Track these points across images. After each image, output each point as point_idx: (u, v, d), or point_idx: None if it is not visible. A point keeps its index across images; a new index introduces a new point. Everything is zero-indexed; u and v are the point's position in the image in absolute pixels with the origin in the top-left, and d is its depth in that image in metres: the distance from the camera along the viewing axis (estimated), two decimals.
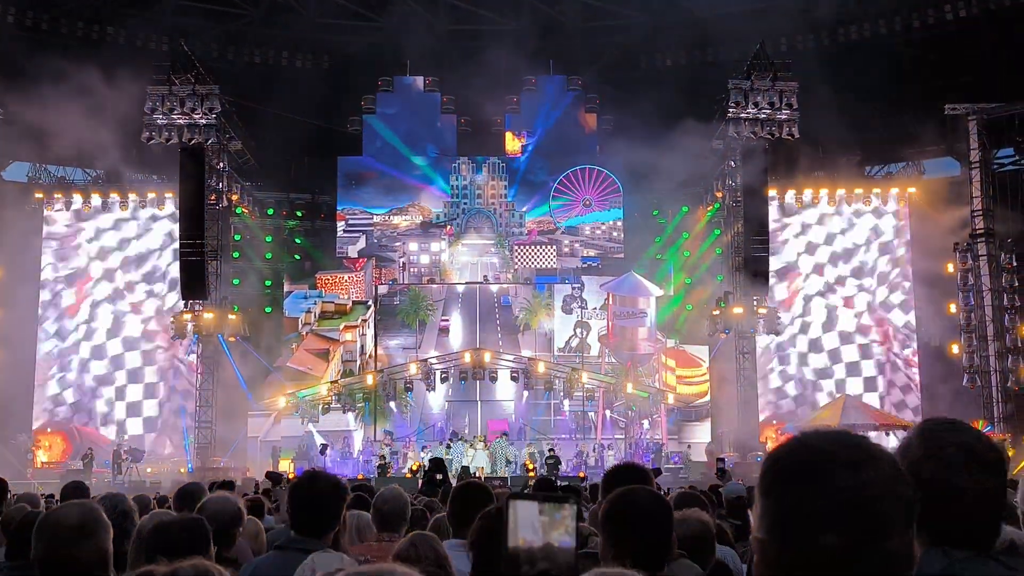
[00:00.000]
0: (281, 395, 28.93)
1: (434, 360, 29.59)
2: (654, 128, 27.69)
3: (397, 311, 32.31)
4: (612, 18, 33.41)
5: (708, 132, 28.61)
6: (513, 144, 33.77)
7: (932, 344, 30.76)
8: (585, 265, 33.03)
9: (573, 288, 32.56)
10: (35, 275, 30.92)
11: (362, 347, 32.21)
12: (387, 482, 19.21)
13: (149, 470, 27.63)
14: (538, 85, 33.53)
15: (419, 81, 33.62)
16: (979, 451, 2.06)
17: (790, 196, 32.07)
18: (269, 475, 16.85)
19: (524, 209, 33.45)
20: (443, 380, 29.03)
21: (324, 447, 27.28)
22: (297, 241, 33.63)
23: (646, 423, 30.10)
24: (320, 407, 28.95)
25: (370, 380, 29.13)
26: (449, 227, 33.28)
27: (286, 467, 25.66)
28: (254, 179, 32.35)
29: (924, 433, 2.10)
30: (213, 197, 28.25)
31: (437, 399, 30.60)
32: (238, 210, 30.94)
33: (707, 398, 31.59)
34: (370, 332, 32.20)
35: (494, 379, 29.01)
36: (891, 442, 22.97)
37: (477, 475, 23.22)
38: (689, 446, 29.65)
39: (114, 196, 31.23)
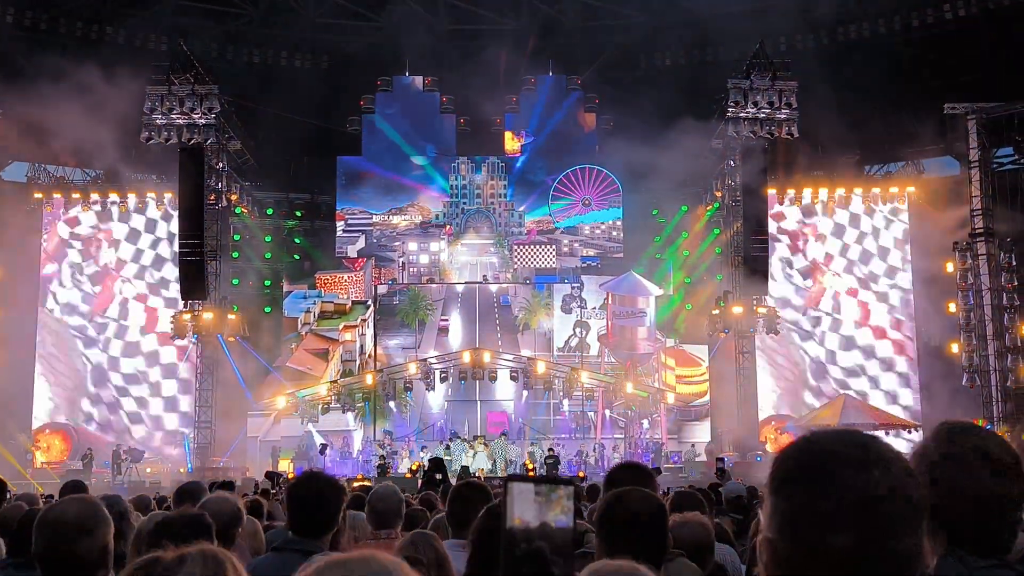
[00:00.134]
0: (281, 395, 28.93)
1: (433, 360, 29.59)
2: (653, 128, 27.71)
3: (396, 311, 32.32)
4: (611, 18, 33.42)
5: (707, 131, 28.62)
6: (512, 144, 33.79)
7: (931, 343, 30.76)
8: (584, 265, 33.05)
9: (572, 288, 32.57)
10: (35, 275, 30.91)
11: (361, 347, 32.22)
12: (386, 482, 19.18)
13: (149, 470, 27.63)
14: (537, 85, 33.55)
15: (418, 81, 33.65)
16: (995, 454, 2.04)
17: (789, 195, 32.05)
18: (268, 475, 16.87)
19: (522, 209, 33.46)
20: (442, 380, 29.04)
21: (324, 447, 27.29)
22: (296, 241, 33.65)
23: (646, 423, 30.12)
24: (320, 407, 28.97)
25: (369, 380, 29.14)
26: (448, 227, 33.30)
27: (286, 467, 25.70)
28: (253, 179, 32.35)
29: (941, 436, 2.08)
30: (212, 197, 28.24)
31: (437, 399, 30.61)
32: (237, 210, 30.93)
33: (706, 398, 31.60)
34: (369, 332, 32.20)
35: (493, 379, 29.01)
36: (892, 442, 22.92)
37: (477, 475, 23.23)
38: (692, 445, 29.65)
39: (113, 196, 31.22)
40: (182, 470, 27.23)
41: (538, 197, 33.45)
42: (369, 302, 32.39)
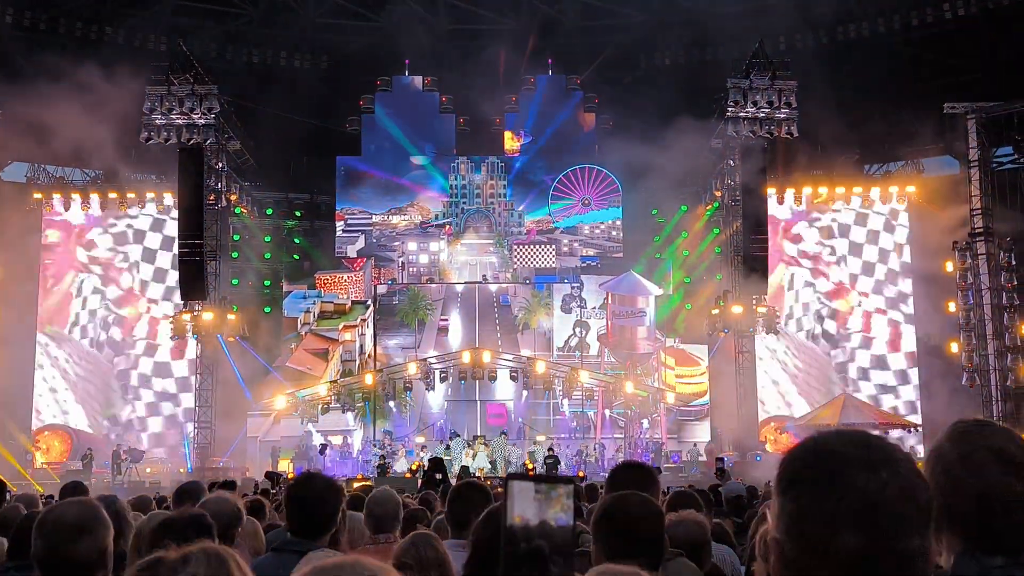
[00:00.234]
0: (280, 395, 28.91)
1: (433, 360, 29.59)
2: (653, 127, 27.73)
3: (396, 311, 32.32)
4: (611, 17, 33.41)
5: (707, 131, 28.61)
6: (512, 143, 33.80)
7: (931, 343, 30.75)
8: (584, 264, 33.05)
9: (572, 287, 32.57)
10: (34, 275, 30.91)
11: (361, 347, 32.22)
12: (387, 482, 19.22)
13: (148, 470, 27.65)
14: (537, 84, 33.56)
15: (418, 81, 33.65)
16: (1011, 452, 2.02)
17: (789, 195, 32.05)
18: (268, 475, 16.87)
19: (520, 208, 33.46)
20: (442, 380, 29.03)
21: (323, 447, 27.30)
22: (296, 241, 33.66)
23: (645, 422, 30.12)
24: (319, 407, 28.96)
25: (369, 380, 29.13)
26: (448, 227, 33.30)
27: (285, 467, 25.70)
28: (253, 179, 32.35)
29: (956, 435, 2.07)
30: (212, 197, 28.23)
31: (436, 399, 30.62)
32: (237, 210, 30.93)
33: (706, 397, 31.59)
34: (369, 332, 32.20)
35: (493, 378, 29.02)
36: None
37: (477, 475, 23.24)
38: (695, 445, 29.61)
39: (112, 196, 31.22)
40: (182, 470, 27.25)
41: (537, 196, 33.46)
42: (369, 302, 32.39)
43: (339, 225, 33.09)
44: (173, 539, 3.26)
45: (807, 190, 31.80)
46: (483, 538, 2.95)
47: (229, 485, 9.56)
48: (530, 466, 25.89)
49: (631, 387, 29.81)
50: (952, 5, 30.07)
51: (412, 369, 28.96)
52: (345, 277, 32.70)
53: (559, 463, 25.43)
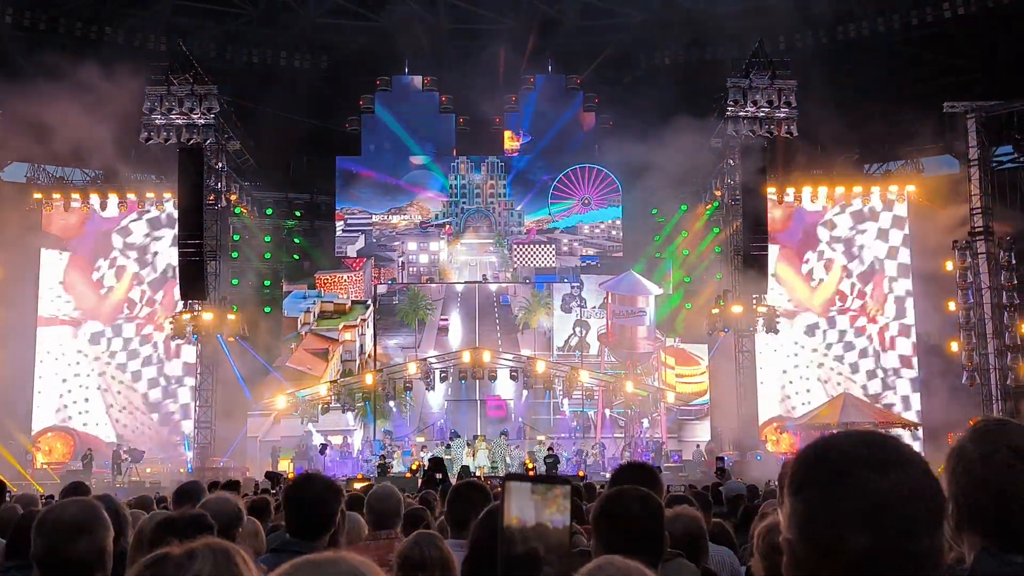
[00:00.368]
0: (280, 395, 28.92)
1: (433, 359, 29.60)
2: (652, 126, 27.73)
3: (396, 310, 32.32)
4: (611, 17, 33.40)
5: (706, 130, 28.61)
6: (512, 143, 33.80)
7: (931, 342, 30.76)
8: (584, 264, 33.04)
9: (572, 287, 32.57)
10: (34, 275, 30.92)
11: (361, 347, 32.22)
12: (387, 482, 19.19)
13: (149, 470, 27.65)
14: (537, 84, 33.55)
15: (418, 80, 33.64)
16: None
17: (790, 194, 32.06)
18: (269, 475, 16.86)
19: (519, 208, 33.44)
20: (442, 379, 29.04)
21: (323, 447, 27.31)
22: (296, 241, 33.65)
23: (645, 422, 30.12)
24: (319, 407, 28.97)
25: (369, 380, 29.13)
26: (448, 226, 33.29)
27: (286, 467, 25.71)
28: (253, 179, 32.34)
29: (977, 435, 2.07)
30: (212, 197, 28.23)
31: (436, 398, 30.62)
32: (237, 210, 30.93)
33: (706, 397, 31.59)
34: (369, 332, 32.20)
35: (493, 378, 29.02)
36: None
37: (477, 474, 23.25)
38: (698, 445, 29.54)
39: (112, 196, 31.23)
40: (182, 470, 27.24)
41: (537, 195, 33.44)
42: (369, 302, 32.38)
43: (339, 225, 33.09)
44: (174, 538, 3.27)
45: (807, 189, 31.81)
46: (481, 538, 2.95)
47: (233, 485, 9.56)
48: (530, 466, 25.89)
49: (631, 387, 29.82)
50: (952, 4, 30.06)
51: (412, 369, 28.96)
52: (345, 277, 32.70)
53: (559, 463, 25.43)
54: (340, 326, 32.12)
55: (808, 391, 31.58)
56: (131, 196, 31.19)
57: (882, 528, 1.49)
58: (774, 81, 26.79)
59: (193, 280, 27.29)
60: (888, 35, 31.33)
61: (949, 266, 28.05)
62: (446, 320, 32.39)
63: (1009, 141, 29.61)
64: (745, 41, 28.78)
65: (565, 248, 33.23)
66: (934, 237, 29.35)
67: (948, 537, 1.62)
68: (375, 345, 32.00)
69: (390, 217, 33.28)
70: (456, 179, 33.45)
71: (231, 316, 28.16)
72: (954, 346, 27.91)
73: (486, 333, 31.99)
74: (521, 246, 33.24)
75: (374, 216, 33.21)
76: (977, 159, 27.67)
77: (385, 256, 33.14)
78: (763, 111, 26.99)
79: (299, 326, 32.01)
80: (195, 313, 27.56)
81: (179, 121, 26.77)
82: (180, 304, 28.49)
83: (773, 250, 30.42)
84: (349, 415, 29.78)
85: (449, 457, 24.64)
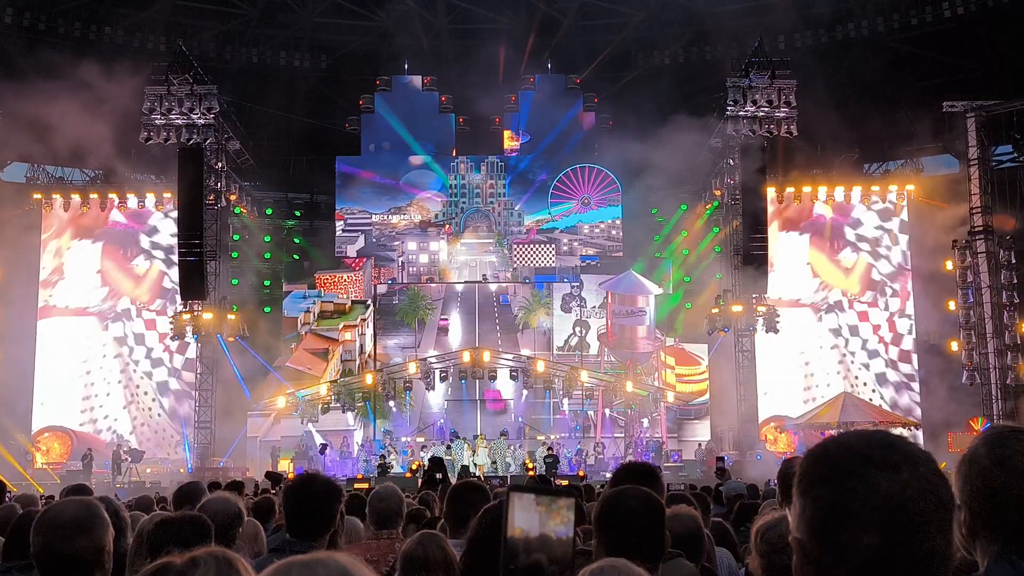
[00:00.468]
0: (280, 395, 28.92)
1: (433, 359, 29.60)
2: (652, 126, 27.72)
3: (396, 310, 32.33)
4: (610, 16, 33.40)
5: (706, 130, 28.61)
6: (511, 143, 33.79)
7: (931, 341, 30.78)
8: (584, 264, 33.03)
9: (572, 287, 32.57)
10: (34, 275, 30.92)
11: (361, 347, 32.22)
12: (387, 482, 19.18)
13: (149, 471, 27.65)
14: (536, 83, 33.54)
15: (417, 80, 33.62)
16: None
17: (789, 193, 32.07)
18: (269, 475, 16.84)
19: (518, 207, 33.44)
20: (442, 379, 29.04)
21: (323, 447, 27.30)
22: (296, 241, 33.64)
23: (645, 421, 30.12)
24: (319, 407, 28.96)
25: (369, 379, 29.14)
26: (448, 226, 33.29)
27: (286, 467, 25.69)
28: (252, 179, 32.35)
29: (991, 440, 2.06)
30: (212, 197, 28.22)
31: (436, 398, 30.62)
32: (236, 210, 30.92)
33: (706, 396, 31.60)
34: (369, 331, 32.20)
35: (493, 378, 29.03)
36: None
37: (477, 474, 23.26)
38: (700, 444, 29.49)
39: (112, 196, 31.23)
40: (182, 470, 27.24)
41: (536, 194, 33.43)
42: (369, 302, 32.39)
43: (339, 225, 33.08)
44: (171, 540, 3.27)
45: (807, 189, 31.83)
46: (478, 535, 2.95)
47: (237, 486, 9.56)
48: (530, 465, 25.88)
49: (631, 386, 29.82)
50: (951, 3, 30.08)
51: (412, 369, 28.97)
52: (345, 277, 32.69)
53: (558, 462, 25.43)
54: (340, 326, 32.12)
55: (808, 390, 31.56)
56: (131, 196, 31.18)
57: (894, 527, 1.49)
58: (774, 81, 26.79)
59: (193, 280, 27.28)
60: (887, 34, 31.35)
61: (949, 265, 28.07)
62: (446, 320, 32.39)
63: (1009, 140, 29.63)
64: (745, 41, 28.78)
65: (565, 248, 33.23)
66: (934, 236, 29.36)
67: (959, 541, 1.62)
68: (375, 345, 32.00)
69: (390, 217, 33.28)
70: (456, 179, 33.44)
71: (231, 316, 28.16)
72: (954, 345, 27.93)
73: (486, 333, 32.00)
74: (521, 246, 33.24)
75: (374, 216, 33.20)
76: (977, 158, 27.67)
77: (385, 256, 33.14)
78: (763, 111, 26.99)
79: (299, 326, 32.02)
80: (195, 313, 27.56)
81: (179, 121, 26.77)
82: (180, 304, 28.47)
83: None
84: (349, 415, 29.79)
85: (450, 457, 24.63)
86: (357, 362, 32.01)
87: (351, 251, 33.04)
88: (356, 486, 14.49)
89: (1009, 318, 27.17)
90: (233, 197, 30.12)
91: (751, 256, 27.53)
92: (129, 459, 26.98)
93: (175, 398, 31.22)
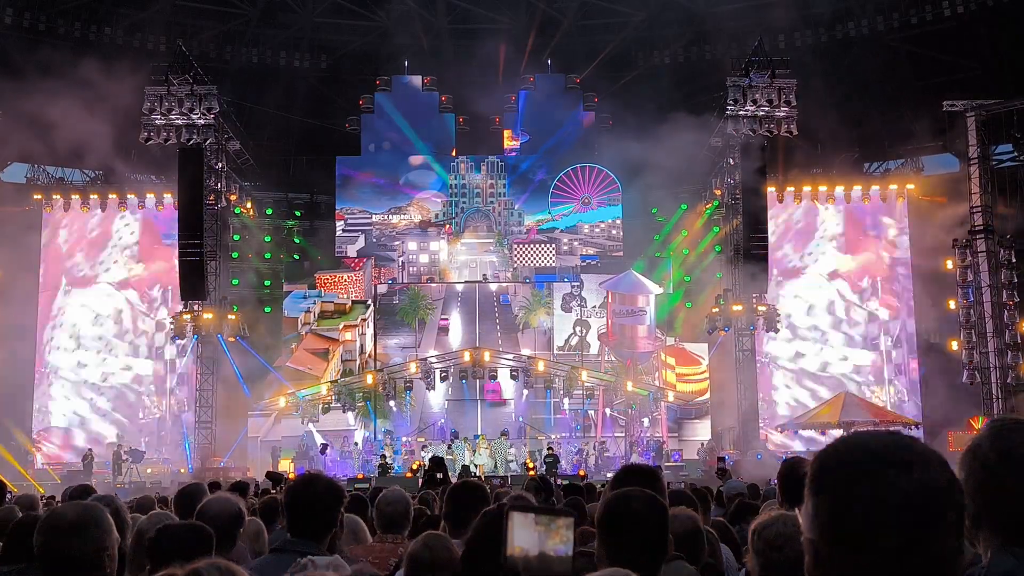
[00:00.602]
0: (281, 395, 28.92)
1: (434, 359, 29.59)
2: (652, 125, 27.71)
3: (396, 310, 32.33)
4: (610, 16, 33.40)
5: (706, 129, 28.60)
6: (511, 142, 33.79)
7: (931, 340, 30.78)
8: (584, 263, 33.03)
9: (572, 286, 32.57)
10: (34, 275, 30.93)
11: (361, 346, 32.22)
12: (387, 482, 19.22)
13: (149, 471, 27.65)
14: (536, 83, 33.53)
15: (417, 80, 33.62)
16: None
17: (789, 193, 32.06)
18: (269, 475, 16.85)
19: (518, 206, 33.44)
20: (443, 379, 29.03)
21: (324, 447, 27.30)
22: (296, 241, 33.64)
23: (646, 421, 30.12)
24: (320, 407, 28.96)
25: (370, 379, 29.13)
26: (448, 226, 33.29)
27: (286, 467, 25.67)
28: (252, 179, 32.34)
29: (993, 434, 2.07)
30: (212, 197, 28.22)
31: (437, 398, 30.61)
32: (237, 210, 30.92)
33: (707, 396, 31.59)
34: (369, 331, 32.20)
35: (493, 378, 29.02)
36: None
37: (477, 474, 23.26)
38: (702, 443, 29.46)
39: (112, 196, 31.24)
40: (182, 470, 27.24)
41: (536, 194, 33.43)
42: (369, 302, 32.38)
43: (339, 225, 33.08)
44: (171, 548, 3.28)
45: (807, 188, 31.82)
46: (478, 536, 2.95)
47: (242, 488, 9.54)
48: (530, 465, 25.88)
49: (631, 386, 29.81)
50: (951, 3, 30.07)
51: (412, 368, 28.96)
52: (345, 277, 32.69)
53: (558, 462, 25.41)
54: (340, 326, 32.12)
55: (808, 389, 31.56)
56: (131, 196, 31.18)
57: (906, 527, 1.49)
58: (773, 80, 26.78)
59: (193, 280, 27.28)
60: (887, 33, 31.34)
61: (949, 265, 28.07)
62: (446, 320, 32.39)
63: (1009, 139, 29.61)
64: (745, 40, 28.77)
65: (565, 248, 33.23)
66: (934, 236, 29.35)
67: (965, 535, 1.63)
68: (375, 345, 32.00)
69: (390, 217, 33.27)
70: (456, 179, 33.44)
71: (231, 316, 28.16)
72: (954, 344, 27.93)
73: (486, 333, 32.00)
74: (521, 246, 33.23)
75: (374, 216, 33.20)
76: (977, 157, 27.68)
77: (385, 256, 33.14)
78: (763, 110, 26.98)
79: (299, 326, 32.01)
80: (195, 313, 27.56)
81: (179, 121, 26.76)
82: (180, 304, 28.48)
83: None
84: (349, 415, 29.78)
85: (451, 457, 24.63)
86: (357, 362, 32.01)
87: (351, 251, 33.04)
88: (357, 486, 14.49)
89: (1009, 317, 27.17)
90: (233, 197, 30.11)
91: (751, 255, 27.52)
92: (129, 459, 26.98)
93: (175, 398, 31.22)
